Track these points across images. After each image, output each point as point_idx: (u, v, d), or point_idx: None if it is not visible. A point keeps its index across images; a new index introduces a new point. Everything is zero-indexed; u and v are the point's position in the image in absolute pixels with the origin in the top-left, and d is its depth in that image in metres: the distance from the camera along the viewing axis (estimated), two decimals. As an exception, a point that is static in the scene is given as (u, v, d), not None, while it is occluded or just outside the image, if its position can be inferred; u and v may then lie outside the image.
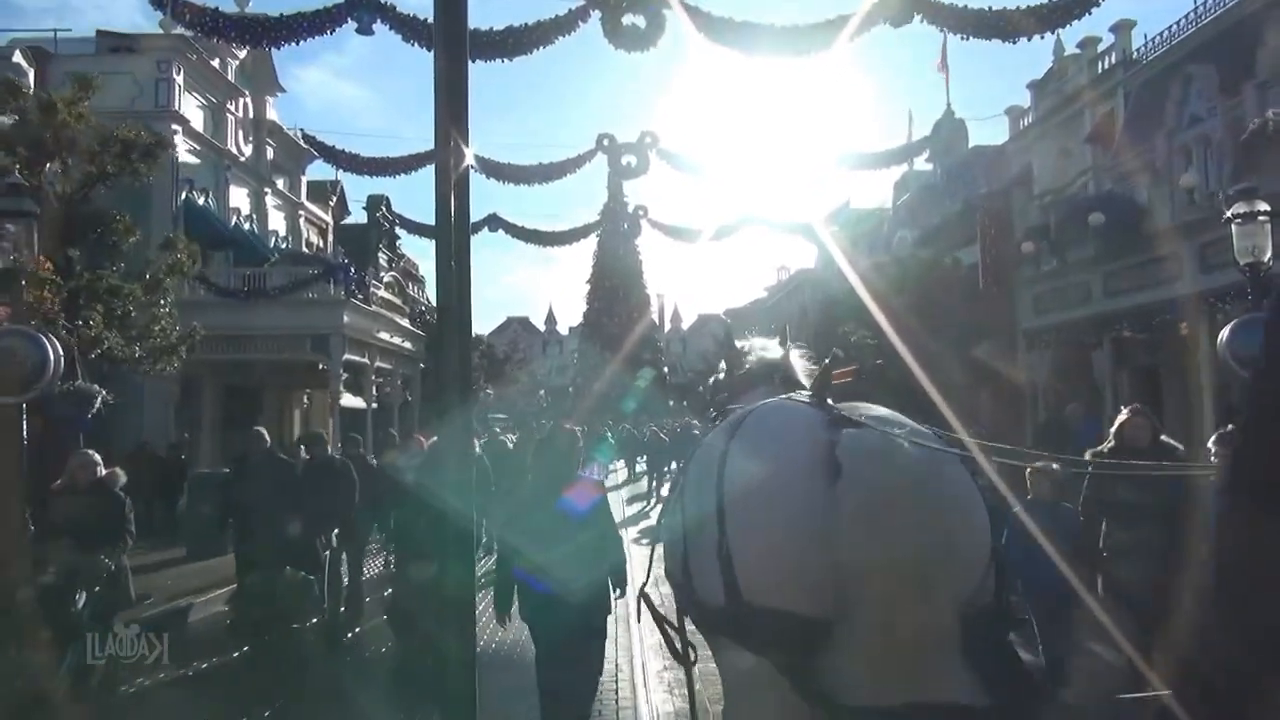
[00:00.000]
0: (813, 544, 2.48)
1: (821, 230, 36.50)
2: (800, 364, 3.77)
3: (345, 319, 19.69)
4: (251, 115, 24.19)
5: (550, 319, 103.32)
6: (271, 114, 25.43)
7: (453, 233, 2.81)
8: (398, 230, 40.88)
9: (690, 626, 3.36)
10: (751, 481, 2.67)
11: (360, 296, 20.54)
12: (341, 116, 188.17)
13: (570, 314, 67.61)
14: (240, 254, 21.93)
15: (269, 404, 25.24)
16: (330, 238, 31.30)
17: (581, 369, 59.45)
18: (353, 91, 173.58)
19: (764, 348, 3.96)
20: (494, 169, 27.10)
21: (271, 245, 23.81)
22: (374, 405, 22.60)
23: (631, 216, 43.37)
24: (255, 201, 24.41)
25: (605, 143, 30.96)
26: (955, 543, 2.49)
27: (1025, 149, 25.34)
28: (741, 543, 2.60)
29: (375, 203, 39.08)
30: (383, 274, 24.13)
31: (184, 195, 20.11)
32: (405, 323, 25.69)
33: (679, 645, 3.55)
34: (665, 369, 61.70)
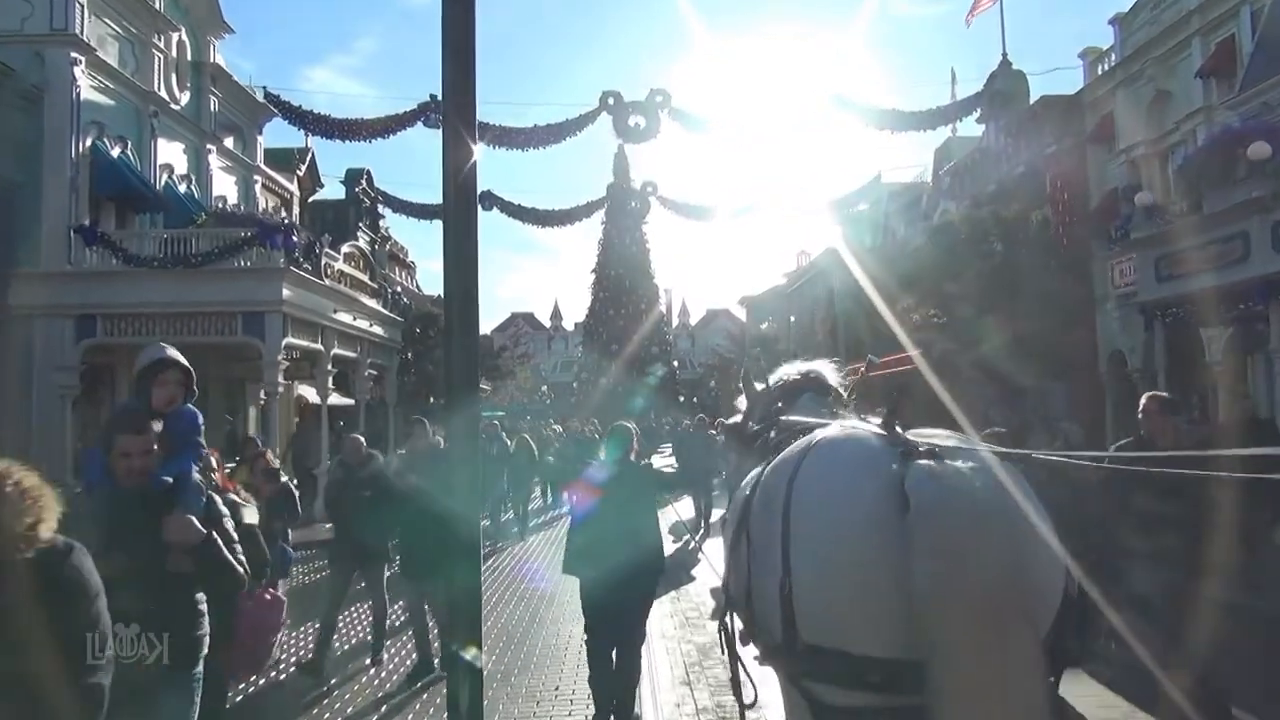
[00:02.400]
0: (882, 581, 2.39)
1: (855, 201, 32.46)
2: (831, 373, 3.85)
3: (285, 293, 15.91)
4: (190, 57, 20.39)
5: (556, 314, 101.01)
6: (218, 59, 21.62)
7: (462, 232, 2.79)
8: (381, 210, 37.46)
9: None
10: (816, 516, 2.60)
11: (308, 266, 16.74)
12: (349, 115, 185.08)
13: (577, 310, 64.74)
14: (173, 220, 18.16)
15: (214, 401, 21.52)
16: (297, 211, 27.51)
17: (586, 364, 55.79)
18: (360, 90, 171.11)
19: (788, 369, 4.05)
20: (483, 131, 23.46)
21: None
22: (329, 401, 18.87)
23: (640, 193, 39.53)
24: (195, 160, 20.63)
25: (610, 101, 27.16)
26: (1032, 576, 2.41)
27: (1106, 97, 21.38)
28: (805, 580, 2.52)
29: (355, 177, 35.39)
30: (348, 245, 20.25)
31: (89, 142, 16.37)
32: (377, 304, 21.88)
33: (742, 680, 3.54)
34: (675, 363, 58.10)
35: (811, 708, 2.60)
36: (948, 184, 30.67)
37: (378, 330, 21.87)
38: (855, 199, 36.10)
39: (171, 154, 19.57)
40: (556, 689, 6.93)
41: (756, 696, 3.56)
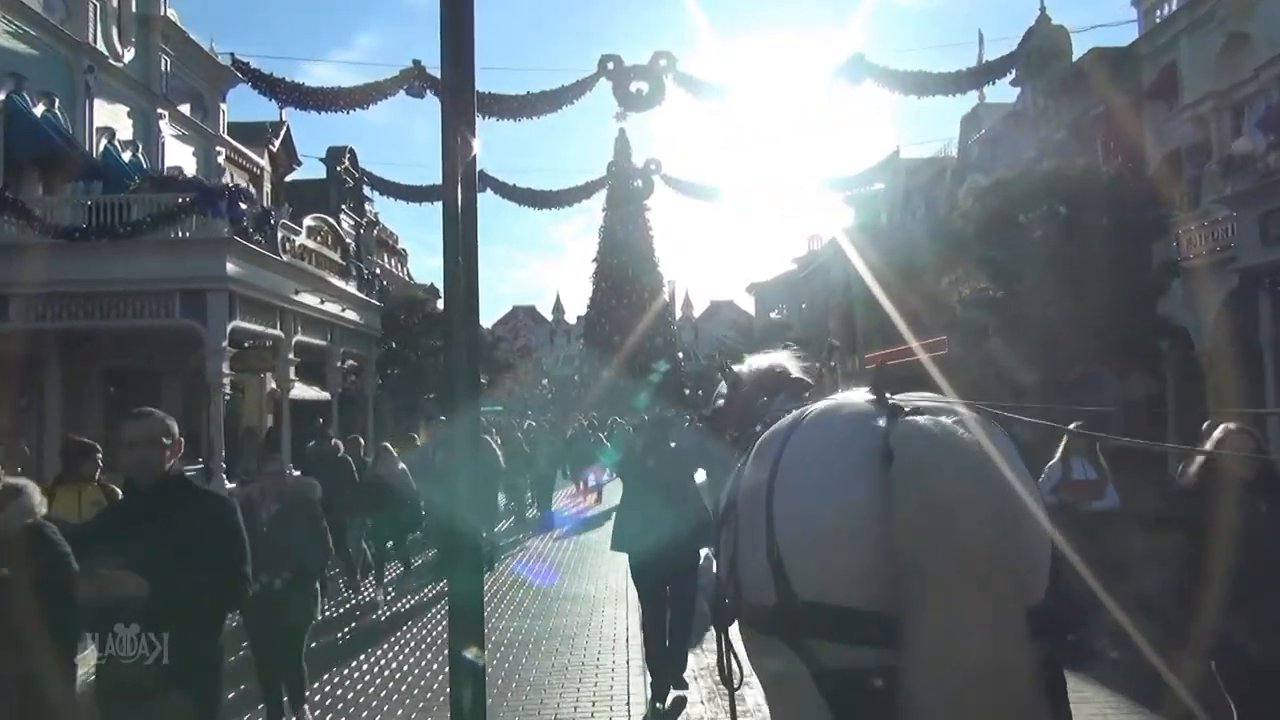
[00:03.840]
0: (865, 533, 2.36)
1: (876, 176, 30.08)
2: (794, 363, 3.88)
3: (230, 268, 13.62)
4: (134, 9, 18.11)
5: (558, 308, 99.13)
6: (170, 14, 19.32)
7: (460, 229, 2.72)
8: (368, 193, 35.20)
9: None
10: (802, 472, 2.57)
11: (261, 239, 14.45)
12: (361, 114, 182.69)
13: (579, 304, 62.41)
14: (114, 190, 15.84)
15: (169, 397, 19.31)
16: (268, 188, 25.24)
17: (588, 356, 53.60)
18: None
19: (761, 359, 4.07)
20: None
21: (165, 183, 17.68)
22: (291, 394, 16.60)
23: (643, 172, 37.18)
24: (142, 125, 18.36)
25: (610, 66, 24.86)
26: (1017, 531, 2.35)
27: (1167, 46, 19.04)
28: (790, 535, 2.50)
29: (336, 155, 33.05)
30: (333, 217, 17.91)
31: (3, 95, 14.11)
32: (352, 288, 19.58)
33: (726, 666, 3.66)
34: (680, 355, 55.91)
35: (814, 674, 2.47)
36: (976, 154, 28.33)
37: (352, 316, 19.59)
38: (872, 176, 33.75)
39: (112, 116, 17.29)
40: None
41: (743, 677, 3.62)
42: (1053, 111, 22.13)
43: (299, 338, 16.93)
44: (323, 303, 17.68)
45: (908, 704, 2.19)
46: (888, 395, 2.67)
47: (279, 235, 15.31)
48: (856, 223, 36.43)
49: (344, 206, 32.56)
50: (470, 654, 2.66)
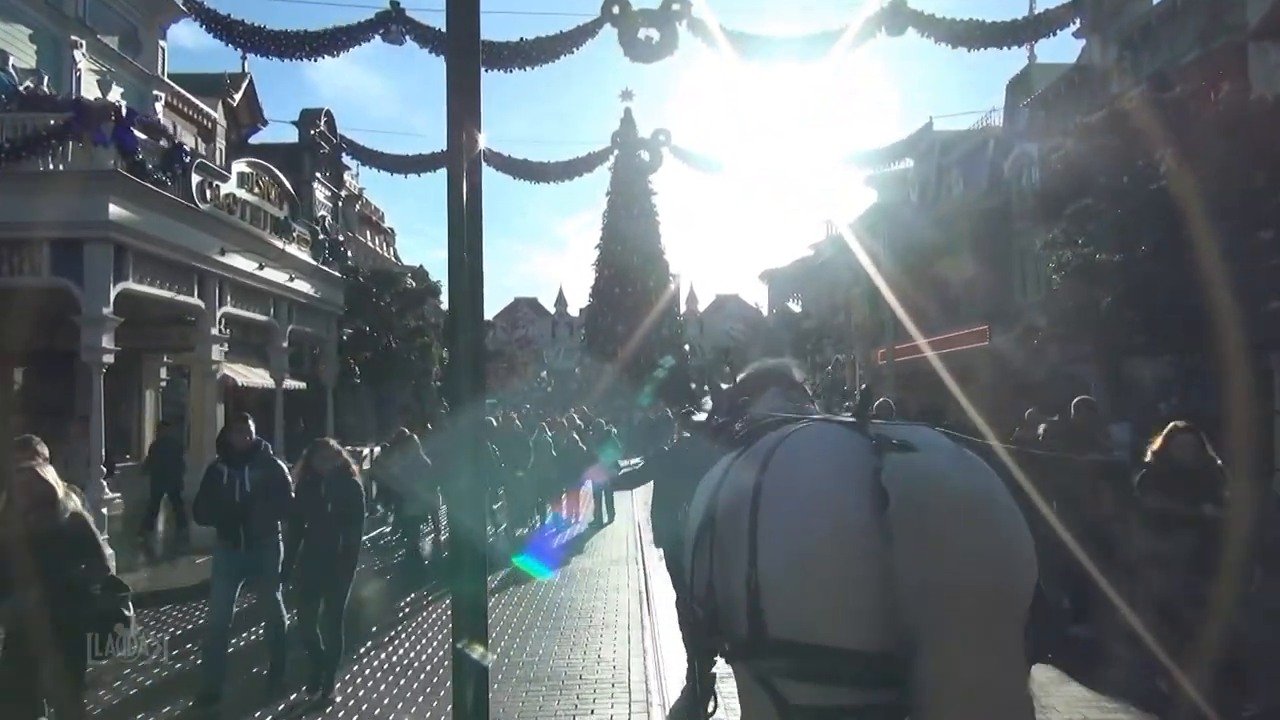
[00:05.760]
0: (859, 572, 2.36)
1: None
2: (794, 370, 3.95)
3: (116, 211, 10.51)
4: (39, -88, 15.01)
5: (560, 301, 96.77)
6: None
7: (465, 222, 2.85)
8: (348, 162, 32.15)
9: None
10: (788, 509, 2.53)
11: (165, 174, 11.33)
12: (359, 103, 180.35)
13: (583, 298, 59.40)
14: (6, 125, 12.74)
15: (79, 385, 16.30)
16: (221, 145, 22.16)
17: (590, 349, 50.70)
18: (367, 80, 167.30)
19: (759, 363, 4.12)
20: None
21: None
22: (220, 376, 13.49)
23: (650, 143, 33.96)
24: (50, 53, 15.31)
25: (615, 10, 21.71)
26: (1012, 566, 2.40)
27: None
28: (775, 574, 2.47)
29: (310, 118, 29.98)
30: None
31: None
32: (305, 255, 16.46)
33: (697, 694, 3.73)
34: (686, 347, 52.99)
35: (779, 709, 2.49)
36: (1026, 122, 25.13)
37: (303, 287, 16.47)
38: (903, 150, 30.60)
39: (8, 39, 14.22)
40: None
41: (716, 706, 3.58)
42: (1129, 62, 18.93)
43: (228, 309, 13.86)
44: (262, 268, 14.58)
45: None
46: (871, 422, 2.71)
47: (194, 179, 12.20)
48: (882, 201, 33.25)
49: (319, 175, 29.52)
50: (474, 651, 2.75)
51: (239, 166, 14.01)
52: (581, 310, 65.71)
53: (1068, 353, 19.97)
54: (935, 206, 29.58)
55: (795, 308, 41.39)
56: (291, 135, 30.46)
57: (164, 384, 18.71)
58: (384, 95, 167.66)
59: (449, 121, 2.78)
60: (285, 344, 16.22)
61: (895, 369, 28.63)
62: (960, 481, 2.39)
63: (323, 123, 29.06)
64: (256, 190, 14.49)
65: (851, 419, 2.79)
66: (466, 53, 2.86)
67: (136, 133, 10.95)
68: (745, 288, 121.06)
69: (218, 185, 13.04)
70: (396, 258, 40.99)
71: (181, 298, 12.60)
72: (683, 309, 72.18)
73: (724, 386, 4.19)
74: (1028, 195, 23.29)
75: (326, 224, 20.25)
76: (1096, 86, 20.50)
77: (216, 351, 13.55)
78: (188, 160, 12.08)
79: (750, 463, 2.76)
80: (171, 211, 11.82)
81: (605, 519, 15.19)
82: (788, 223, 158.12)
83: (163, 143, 12.06)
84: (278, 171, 15.41)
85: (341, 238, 20.45)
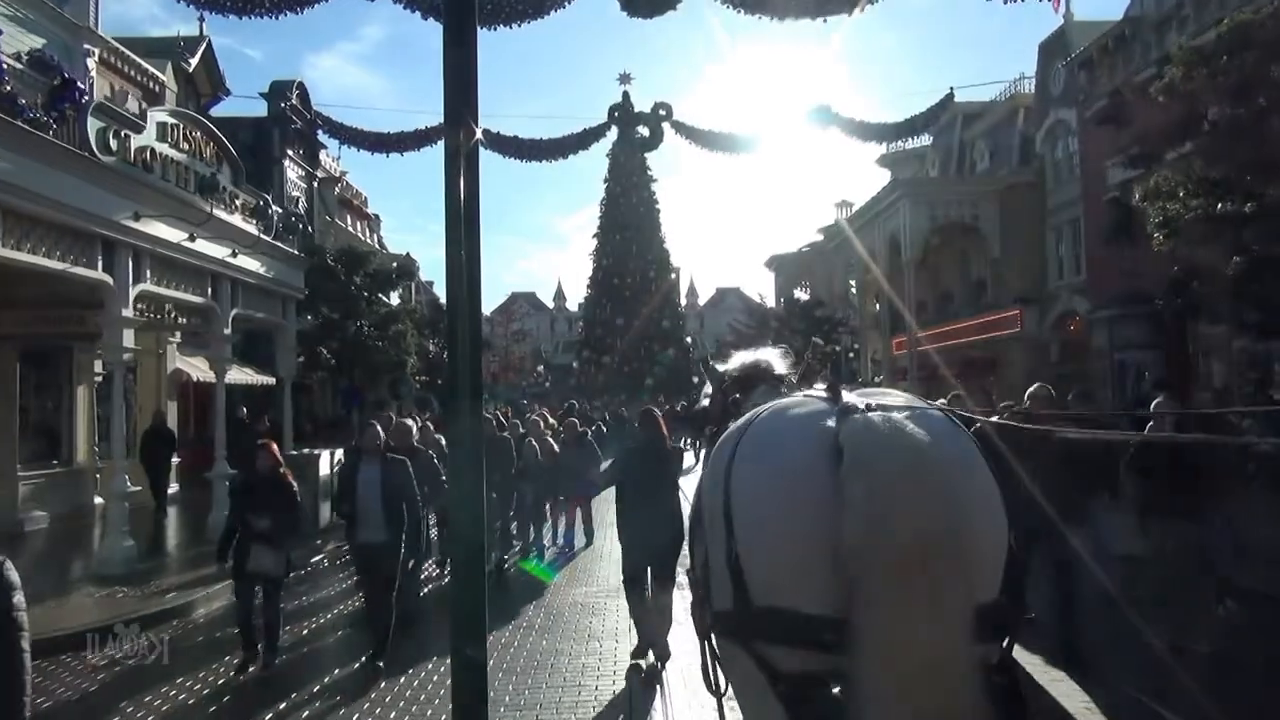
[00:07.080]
0: (817, 535, 2.31)
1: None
2: (780, 361, 3.91)
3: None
4: None
5: (559, 295, 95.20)
6: None
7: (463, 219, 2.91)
8: (324, 140, 29.90)
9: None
10: (753, 476, 2.57)
11: (49, 115, 9.12)
12: (357, 102, 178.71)
13: (582, 291, 57.12)
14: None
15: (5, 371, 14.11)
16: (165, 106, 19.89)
17: (588, 340, 48.68)
18: (367, 79, 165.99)
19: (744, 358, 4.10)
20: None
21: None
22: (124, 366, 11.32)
23: (650, 117, 31.74)
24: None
25: (607, -41, 19.45)
26: (969, 533, 2.26)
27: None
28: (746, 538, 2.49)
29: (281, 90, 27.67)
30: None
31: None
32: (251, 227, 14.23)
33: (711, 674, 3.51)
34: (688, 339, 50.97)
35: (768, 677, 2.48)
36: (1062, 87, 22.85)
37: (250, 264, 14.25)
38: (922, 123, 28.37)
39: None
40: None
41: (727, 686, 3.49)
42: (1192, 9, 16.66)
43: (147, 287, 11.65)
44: (193, 239, 12.37)
45: (852, 697, 2.20)
46: (843, 392, 2.66)
47: (94, 125, 9.97)
48: (903, 177, 30.98)
49: (291, 152, 27.28)
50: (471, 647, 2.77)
51: (158, 115, 11.77)
52: (580, 304, 63.66)
53: (1118, 337, 17.82)
54: (958, 185, 27.35)
55: (804, 295, 39.11)
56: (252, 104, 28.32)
57: (99, 379, 16.52)
58: (384, 95, 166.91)
59: (445, 82, 2.97)
60: (227, 330, 14.01)
61: (916, 359, 26.47)
62: (911, 438, 2.32)
63: (295, 96, 26.76)
64: (186, 147, 12.27)
65: (825, 393, 2.73)
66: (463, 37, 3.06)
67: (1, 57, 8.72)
68: (746, 281, 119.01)
69: (127, 135, 10.82)
70: (381, 245, 38.71)
71: (80, 271, 10.38)
72: (683, 302, 70.21)
73: (718, 385, 4.25)
74: (1063, 165, 21.06)
75: (299, 204, 18.06)
76: (1150, 39, 18.24)
77: (129, 337, 11.33)
78: (82, 100, 9.85)
79: (727, 441, 2.80)
80: (62, 162, 9.60)
81: (583, 542, 12.92)
82: (794, 207, 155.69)
83: (52, 78, 9.83)
84: (212, 125, 13.17)
85: (298, 211, 18.15)
